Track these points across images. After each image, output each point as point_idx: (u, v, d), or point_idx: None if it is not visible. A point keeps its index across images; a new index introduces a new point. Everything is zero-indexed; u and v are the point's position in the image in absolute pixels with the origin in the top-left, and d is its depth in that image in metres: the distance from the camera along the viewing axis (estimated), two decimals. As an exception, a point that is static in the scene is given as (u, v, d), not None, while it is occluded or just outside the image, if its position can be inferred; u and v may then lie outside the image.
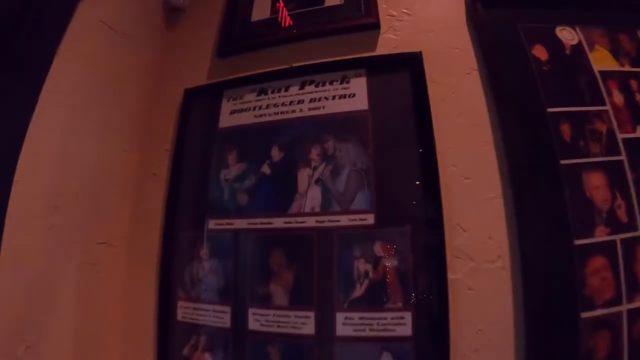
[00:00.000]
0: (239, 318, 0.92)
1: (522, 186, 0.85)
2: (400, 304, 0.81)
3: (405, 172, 0.90)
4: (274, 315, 0.89)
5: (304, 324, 0.86)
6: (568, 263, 0.81)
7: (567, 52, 0.94)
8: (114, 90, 1.07)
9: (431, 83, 0.95)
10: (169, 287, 1.02)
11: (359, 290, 0.84)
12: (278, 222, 0.96)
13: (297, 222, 0.94)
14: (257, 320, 0.90)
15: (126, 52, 1.12)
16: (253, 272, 0.95)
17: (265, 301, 0.91)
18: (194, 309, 0.98)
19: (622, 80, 0.91)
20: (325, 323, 0.85)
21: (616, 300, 0.81)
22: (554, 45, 0.95)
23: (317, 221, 0.92)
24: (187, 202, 1.07)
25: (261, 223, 0.97)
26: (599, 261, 0.83)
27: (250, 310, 0.92)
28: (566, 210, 0.83)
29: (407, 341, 0.80)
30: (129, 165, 1.12)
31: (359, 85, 1.00)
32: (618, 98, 0.90)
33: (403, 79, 0.96)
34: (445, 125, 0.92)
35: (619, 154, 0.87)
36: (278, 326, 0.88)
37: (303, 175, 0.97)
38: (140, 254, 1.08)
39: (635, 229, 0.86)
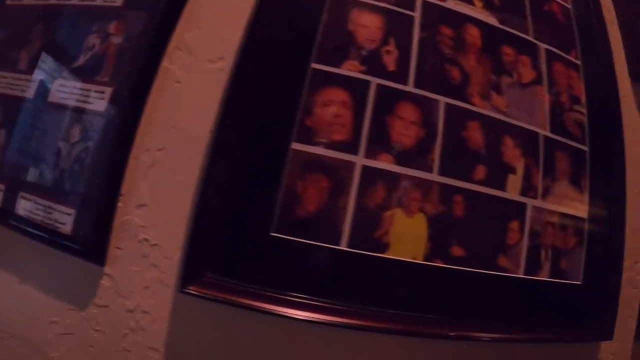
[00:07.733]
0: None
1: None
2: (107, 79, 0.75)
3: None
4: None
5: (26, 88, 0.81)
6: (296, 86, 0.72)
7: None
8: None
9: None
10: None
11: (81, 60, 0.78)
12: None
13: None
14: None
15: None
16: None
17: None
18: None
19: None
20: (43, 88, 0.79)
21: (348, 148, 0.71)
22: None
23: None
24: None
25: None
26: (337, 94, 0.73)
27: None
28: (316, 29, 0.73)
29: (99, 116, 0.73)
30: None
31: None
32: None
33: None
34: None
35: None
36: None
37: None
38: None
39: (402, 82, 0.75)
